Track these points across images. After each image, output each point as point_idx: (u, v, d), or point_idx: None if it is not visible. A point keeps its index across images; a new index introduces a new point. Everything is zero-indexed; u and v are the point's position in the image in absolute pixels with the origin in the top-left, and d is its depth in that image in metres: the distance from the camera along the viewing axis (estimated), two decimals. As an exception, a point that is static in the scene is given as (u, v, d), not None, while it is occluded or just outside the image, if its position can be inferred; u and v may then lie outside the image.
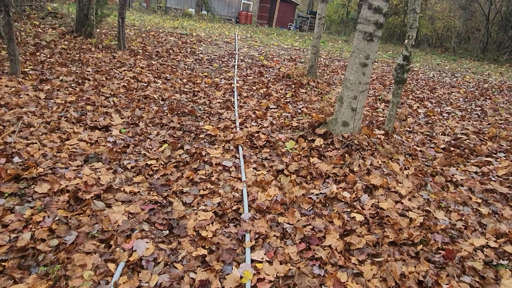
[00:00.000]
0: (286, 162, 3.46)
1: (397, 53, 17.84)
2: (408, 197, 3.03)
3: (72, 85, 5.16)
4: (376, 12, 3.52)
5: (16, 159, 2.95)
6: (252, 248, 2.33)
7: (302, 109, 5.39)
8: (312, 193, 3.01)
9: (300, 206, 2.86)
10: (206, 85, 6.38)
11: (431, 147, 4.37)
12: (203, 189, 2.98)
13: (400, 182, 3.25)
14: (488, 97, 8.43)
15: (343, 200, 2.92)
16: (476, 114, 6.57)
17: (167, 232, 2.43)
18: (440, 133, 5.04)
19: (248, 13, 25.81)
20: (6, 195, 2.53)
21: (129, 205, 2.64)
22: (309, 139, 3.90)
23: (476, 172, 3.73)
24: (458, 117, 6.16)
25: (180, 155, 3.54)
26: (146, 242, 2.26)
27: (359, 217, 2.69)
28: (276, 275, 2.11)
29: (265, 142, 3.93)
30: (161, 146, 3.70)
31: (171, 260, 2.18)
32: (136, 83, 5.82)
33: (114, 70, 6.38)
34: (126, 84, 5.60)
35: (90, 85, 5.25)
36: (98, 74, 5.90)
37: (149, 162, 3.32)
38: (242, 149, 3.76)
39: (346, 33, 26.37)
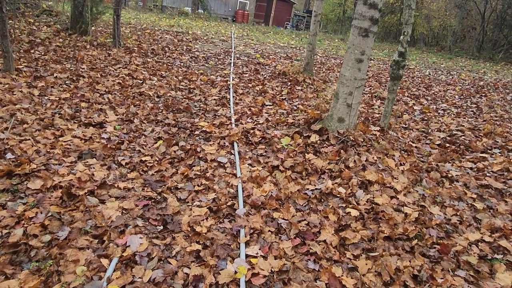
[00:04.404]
0: (282, 158, 3.45)
1: (393, 51, 17.86)
2: (403, 193, 3.03)
3: (66, 82, 5.12)
4: (371, 7, 3.52)
5: (9, 155, 2.92)
6: (247, 243, 2.31)
7: (297, 106, 5.39)
8: (307, 189, 3.00)
9: (295, 201, 2.85)
10: (202, 83, 6.35)
11: (426, 143, 4.37)
12: (198, 185, 2.96)
13: (395, 178, 3.25)
14: (483, 94, 8.47)
15: (338, 195, 2.92)
16: (472, 111, 6.59)
17: (161, 227, 2.41)
18: (436, 130, 5.04)
19: (245, 11, 25.77)
20: (-2, 191, 2.50)
21: (123, 201, 2.62)
22: (304, 135, 3.89)
23: (471, 168, 3.74)
24: (454, 114, 6.17)
25: (175, 151, 3.53)
26: (140, 238, 2.24)
27: (354, 212, 2.68)
28: (271, 270, 2.10)
29: (260, 138, 3.92)
30: (156, 143, 3.67)
31: (165, 256, 2.16)
32: (131, 80, 5.78)
33: (109, 67, 6.34)
34: (121, 81, 5.56)
35: (84, 82, 5.22)
36: (93, 71, 5.86)
37: (143, 159, 3.30)
38: (237, 146, 3.74)
39: (343, 32, 26.40)
